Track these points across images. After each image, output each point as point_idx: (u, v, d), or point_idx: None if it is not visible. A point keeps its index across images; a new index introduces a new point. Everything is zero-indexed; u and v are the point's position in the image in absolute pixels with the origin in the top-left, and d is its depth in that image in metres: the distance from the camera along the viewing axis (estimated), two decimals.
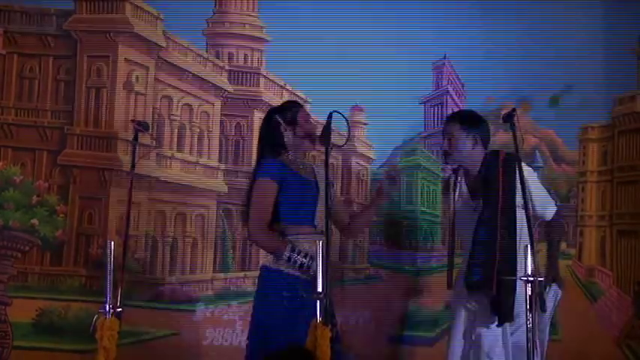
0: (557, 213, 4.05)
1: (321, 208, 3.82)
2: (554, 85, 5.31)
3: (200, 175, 5.43)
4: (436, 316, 5.23)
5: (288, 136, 3.88)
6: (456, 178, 4.09)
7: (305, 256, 3.69)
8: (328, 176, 3.58)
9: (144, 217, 5.24)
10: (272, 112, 4.00)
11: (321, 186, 3.84)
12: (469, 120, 4.01)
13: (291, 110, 3.94)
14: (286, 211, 3.81)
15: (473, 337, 3.92)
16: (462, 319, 4.00)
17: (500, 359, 3.85)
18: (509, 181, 3.83)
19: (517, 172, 3.71)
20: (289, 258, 3.69)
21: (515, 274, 3.71)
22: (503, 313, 3.78)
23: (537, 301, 3.54)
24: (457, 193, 4.07)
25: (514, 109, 3.77)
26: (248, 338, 3.84)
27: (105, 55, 5.29)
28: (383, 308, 5.27)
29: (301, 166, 3.91)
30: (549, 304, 3.87)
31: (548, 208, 3.99)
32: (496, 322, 3.83)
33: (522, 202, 3.73)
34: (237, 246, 5.38)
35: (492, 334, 3.86)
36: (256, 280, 3.93)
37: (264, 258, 3.93)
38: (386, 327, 5.27)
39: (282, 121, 3.89)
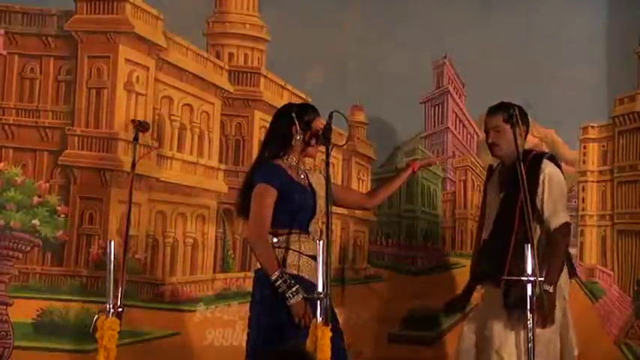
0: (562, 227, 3.93)
1: (317, 217, 3.82)
2: (554, 84, 5.31)
3: (200, 175, 5.43)
4: (436, 316, 5.23)
5: (296, 138, 3.85)
6: (491, 172, 4.13)
7: (290, 287, 3.62)
8: (329, 176, 3.58)
9: (144, 217, 5.25)
10: (290, 109, 3.91)
11: (320, 193, 3.83)
12: (508, 111, 4.01)
13: (309, 114, 3.86)
14: (282, 217, 3.77)
15: (485, 333, 3.92)
16: (475, 313, 4.01)
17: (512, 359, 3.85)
18: (531, 180, 3.83)
19: (541, 171, 3.75)
20: (276, 281, 3.67)
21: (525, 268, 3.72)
22: (511, 302, 3.78)
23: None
24: (490, 185, 4.11)
25: (514, 109, 3.78)
26: (247, 343, 3.83)
27: (105, 56, 5.29)
28: (383, 308, 5.28)
29: (299, 173, 3.90)
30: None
31: (553, 218, 3.94)
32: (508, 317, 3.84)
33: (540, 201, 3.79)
34: (238, 246, 5.38)
35: (504, 331, 3.86)
36: (252, 284, 3.90)
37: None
38: (386, 327, 5.27)
39: (297, 121, 3.84)
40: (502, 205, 3.97)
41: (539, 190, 3.89)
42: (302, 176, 3.89)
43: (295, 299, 3.61)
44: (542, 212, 3.91)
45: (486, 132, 4.10)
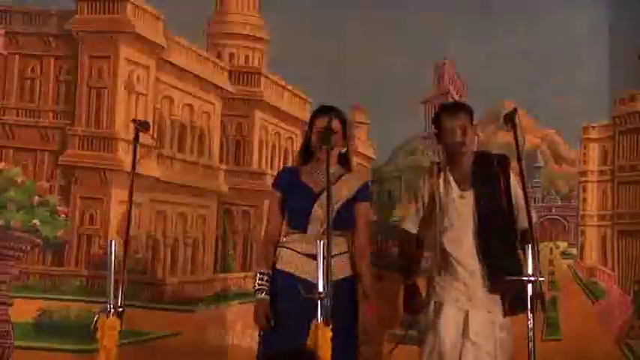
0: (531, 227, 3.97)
1: (315, 216, 3.82)
2: (555, 84, 5.31)
3: (201, 175, 5.44)
4: None
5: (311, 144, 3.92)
6: (439, 170, 4.06)
7: (262, 280, 3.77)
8: (328, 176, 3.57)
9: (145, 217, 5.25)
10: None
11: (336, 194, 3.81)
12: (470, 111, 4.02)
13: (310, 121, 3.94)
14: (288, 218, 3.91)
15: (471, 336, 3.89)
16: (451, 316, 3.95)
17: (492, 356, 3.85)
18: (506, 181, 3.86)
19: (511, 172, 3.76)
20: (254, 278, 3.83)
21: (516, 268, 3.73)
22: (518, 305, 3.78)
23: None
24: (441, 182, 4.02)
25: (515, 109, 3.77)
26: (260, 336, 3.88)
27: (106, 56, 5.30)
28: (383, 308, 5.26)
29: (314, 175, 3.88)
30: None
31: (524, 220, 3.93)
32: (500, 317, 3.83)
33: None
34: (238, 246, 5.39)
35: (490, 332, 3.86)
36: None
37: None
38: (386, 327, 5.26)
39: (308, 131, 3.95)
40: (485, 208, 3.91)
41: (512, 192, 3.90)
42: (321, 179, 3.82)
43: (257, 297, 3.74)
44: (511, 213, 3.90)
45: (450, 129, 3.99)
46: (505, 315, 3.86)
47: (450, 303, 3.94)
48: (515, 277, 3.63)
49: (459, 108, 4.04)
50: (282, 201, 3.91)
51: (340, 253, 3.84)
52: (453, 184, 4.01)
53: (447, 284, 3.98)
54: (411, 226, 4.11)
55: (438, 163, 4.10)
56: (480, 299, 3.89)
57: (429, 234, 4.07)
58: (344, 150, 3.93)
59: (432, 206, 4.03)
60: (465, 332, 3.89)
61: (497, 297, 3.86)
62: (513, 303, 3.81)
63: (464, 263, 3.92)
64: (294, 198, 3.86)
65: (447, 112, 4.04)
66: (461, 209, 3.96)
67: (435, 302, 4.00)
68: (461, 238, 3.96)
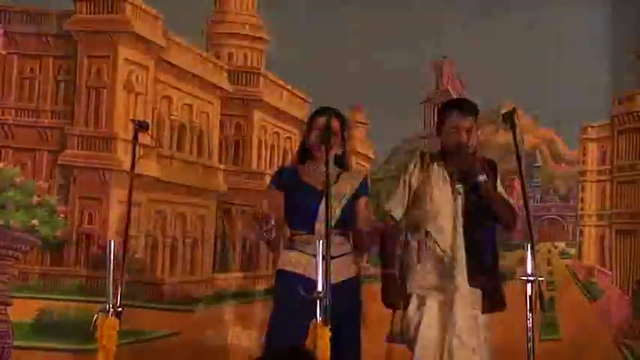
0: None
1: (321, 216, 3.81)
2: (554, 84, 5.32)
3: (200, 175, 5.44)
4: None
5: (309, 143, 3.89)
6: (430, 161, 4.02)
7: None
8: (328, 176, 3.57)
9: (144, 217, 5.25)
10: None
11: (338, 193, 3.80)
12: (477, 113, 3.99)
13: (309, 121, 3.89)
14: (290, 217, 3.84)
15: (455, 329, 3.87)
16: (435, 309, 3.92)
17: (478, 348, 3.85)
18: (493, 183, 3.90)
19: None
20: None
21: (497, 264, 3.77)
22: (500, 300, 3.80)
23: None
24: (434, 174, 3.99)
25: (514, 109, 3.76)
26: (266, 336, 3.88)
27: (105, 56, 5.30)
28: (383, 308, 5.27)
29: (314, 174, 3.87)
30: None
31: None
32: (479, 311, 3.83)
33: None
34: (237, 246, 5.39)
35: (474, 328, 3.85)
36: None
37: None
38: (386, 327, 5.26)
39: (306, 131, 3.90)
40: (474, 199, 3.92)
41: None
42: (321, 178, 3.80)
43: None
44: None
45: (456, 127, 3.96)
46: (483, 311, 3.85)
47: (433, 296, 3.91)
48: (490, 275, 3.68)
49: (469, 108, 3.98)
50: (284, 199, 3.83)
51: (345, 254, 3.83)
52: (447, 176, 4.00)
53: (429, 274, 3.94)
54: (398, 212, 4.07)
55: (430, 154, 4.07)
56: (464, 293, 3.88)
57: (412, 220, 4.03)
58: (341, 152, 3.92)
59: (417, 193, 4.00)
60: (449, 328, 3.87)
61: (480, 292, 3.86)
62: (492, 300, 3.82)
63: (449, 254, 3.91)
64: (299, 197, 3.81)
65: (458, 110, 3.98)
66: (452, 201, 3.95)
67: (417, 295, 3.96)
68: (449, 229, 3.94)
